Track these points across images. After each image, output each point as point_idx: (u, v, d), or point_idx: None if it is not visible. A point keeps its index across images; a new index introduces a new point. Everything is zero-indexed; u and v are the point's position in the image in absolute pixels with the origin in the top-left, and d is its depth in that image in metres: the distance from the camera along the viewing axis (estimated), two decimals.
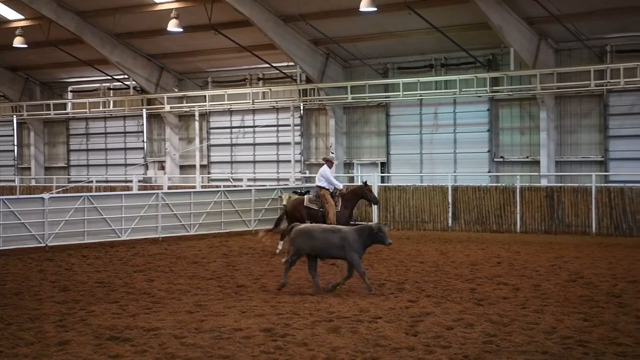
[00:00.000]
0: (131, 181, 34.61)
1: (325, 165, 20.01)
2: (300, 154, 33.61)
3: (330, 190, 19.63)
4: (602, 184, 24.53)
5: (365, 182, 20.70)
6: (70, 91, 41.68)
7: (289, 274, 13.82)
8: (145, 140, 38.52)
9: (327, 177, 19.72)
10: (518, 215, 24.66)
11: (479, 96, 28.60)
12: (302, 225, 13.86)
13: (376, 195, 22.66)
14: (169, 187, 31.68)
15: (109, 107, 38.14)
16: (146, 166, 38.55)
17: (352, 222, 20.09)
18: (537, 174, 27.11)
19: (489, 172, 28.69)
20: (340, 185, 20.18)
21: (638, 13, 24.91)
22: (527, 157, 28.27)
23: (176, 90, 36.70)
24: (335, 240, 13.16)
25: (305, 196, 20.27)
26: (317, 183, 19.96)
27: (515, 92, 27.88)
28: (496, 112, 29.04)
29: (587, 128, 27.24)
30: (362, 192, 20.06)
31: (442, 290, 13.42)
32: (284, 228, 19.77)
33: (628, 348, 9.25)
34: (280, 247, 19.59)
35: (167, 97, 35.86)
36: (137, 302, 12.65)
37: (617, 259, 17.68)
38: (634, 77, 24.75)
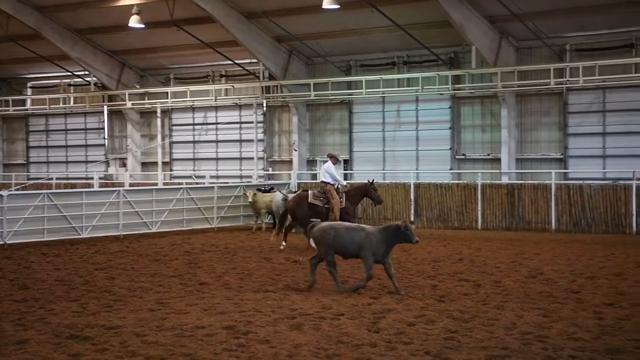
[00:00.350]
0: (92, 178, 34.28)
1: (329, 161, 20.11)
2: (263, 151, 33.55)
3: (335, 186, 19.76)
4: (561, 181, 24.83)
5: (372, 180, 20.66)
6: (30, 87, 41.21)
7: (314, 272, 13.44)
8: (106, 137, 38.18)
9: (331, 173, 19.85)
10: (479, 212, 24.88)
11: (441, 94, 28.79)
12: (326, 224, 13.55)
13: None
14: (131, 185, 31.44)
15: (69, 103, 37.77)
16: (107, 163, 38.22)
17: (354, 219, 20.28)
18: (498, 171, 27.36)
19: (450, 169, 28.90)
20: (344, 182, 20.34)
21: (597, 12, 25.25)
22: (489, 155, 28.51)
23: (138, 86, 36.44)
24: (358, 238, 12.98)
25: (310, 192, 20.26)
26: (322, 179, 20.05)
27: (477, 89, 28.12)
28: (458, 110, 29.25)
29: (547, 126, 27.57)
30: (367, 190, 20.16)
31: (404, 287, 13.47)
32: (289, 224, 20.03)
33: (586, 343, 9.38)
34: (284, 243, 19.64)
35: (129, 94, 35.60)
36: (98, 300, 12.54)
37: (576, 255, 17.91)
38: (593, 75, 25.11)
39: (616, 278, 14.38)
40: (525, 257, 17.67)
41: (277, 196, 24.45)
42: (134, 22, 29.48)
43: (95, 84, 37.76)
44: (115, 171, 37.64)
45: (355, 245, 12.93)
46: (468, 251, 18.93)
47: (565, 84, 26.02)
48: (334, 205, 19.48)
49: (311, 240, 19.31)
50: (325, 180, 19.87)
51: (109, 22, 33.16)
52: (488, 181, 25.66)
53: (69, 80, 39.46)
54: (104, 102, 37.12)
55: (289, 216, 20.46)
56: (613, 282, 13.94)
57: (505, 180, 26.37)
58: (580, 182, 24.40)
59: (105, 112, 37.66)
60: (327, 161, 20.27)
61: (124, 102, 35.82)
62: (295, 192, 25.26)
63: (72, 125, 40.11)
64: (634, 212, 22.80)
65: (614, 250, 18.66)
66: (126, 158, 37.63)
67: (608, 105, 26.51)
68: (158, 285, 13.95)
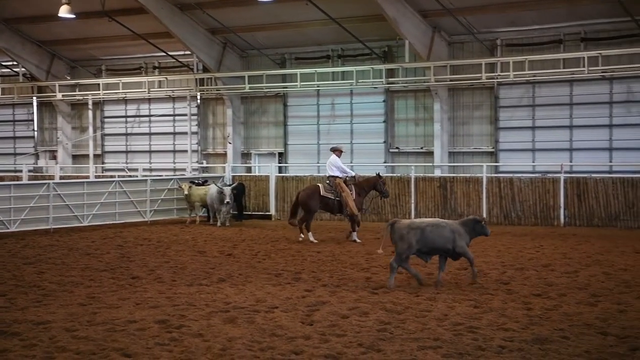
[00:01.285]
0: (21, 171, 33.55)
1: (333, 155, 20.15)
2: (197, 143, 33.31)
3: (343, 179, 19.84)
4: (492, 174, 25.23)
5: (379, 173, 20.74)
6: None
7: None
8: (35, 129, 37.41)
9: (339, 166, 19.95)
10: (413, 205, 25.13)
11: (375, 87, 28.97)
12: (408, 221, 13.30)
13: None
14: (61, 177, 30.86)
15: None
16: (37, 156, 37.48)
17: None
18: (431, 164, 27.67)
19: (385, 162, 29.11)
20: (353, 173, 20.43)
21: (527, 8, 25.68)
22: (422, 148, 28.81)
23: (68, 78, 35.79)
24: (446, 233, 12.85)
25: (320, 185, 20.24)
26: (330, 173, 20.02)
27: (410, 83, 28.37)
28: (392, 104, 29.48)
29: (479, 120, 27.98)
30: (376, 183, 20.26)
31: (338, 280, 13.56)
32: (300, 218, 20.04)
33: (515, 333, 9.57)
34: (311, 237, 19.52)
35: (59, 85, 34.94)
36: (27, 295, 12.30)
37: (505, 247, 18.23)
38: (523, 70, 25.57)
39: (544, 269, 14.70)
40: None
41: (212, 189, 24.35)
42: (64, 12, 28.86)
43: (24, 75, 36.96)
44: (45, 164, 36.93)
45: (445, 241, 12.81)
46: None
47: (496, 78, 26.47)
48: (348, 200, 19.54)
49: (310, 234, 19.34)
50: (333, 175, 19.94)
51: (38, 12, 32.40)
52: (421, 174, 25.93)
53: None
54: (33, 93, 36.34)
55: (300, 209, 20.38)
56: (541, 273, 14.24)
57: (438, 173, 26.69)
58: (511, 175, 24.85)
59: (35, 104, 36.89)
60: (330, 156, 20.27)
61: (54, 94, 35.14)
62: (230, 185, 25.18)
63: (0, 117, 39.16)
64: (562, 205, 23.32)
65: (542, 242, 19.07)
66: (56, 150, 36.94)
67: (537, 100, 27.02)
68: (89, 280, 13.75)
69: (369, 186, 20.38)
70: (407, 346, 8.98)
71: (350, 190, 19.82)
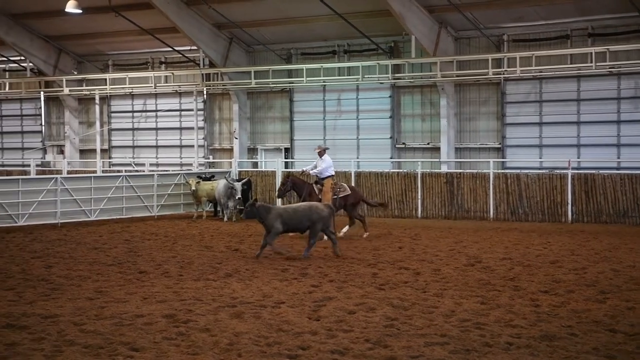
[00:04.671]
0: (29, 165, 33.62)
1: (326, 155, 20.22)
2: (203, 139, 33.34)
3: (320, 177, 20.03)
4: (499, 170, 25.20)
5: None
6: None
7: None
8: (43, 123, 37.50)
9: (330, 165, 20.22)
10: (419, 201, 25.12)
11: (381, 83, 28.93)
12: None
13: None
14: (69, 172, 30.93)
15: (4, 89, 36.88)
16: (44, 150, 37.57)
17: None
18: (437, 160, 27.63)
19: (391, 158, 29.09)
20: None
21: (534, 3, 25.61)
22: (428, 144, 28.78)
23: (75, 72, 35.80)
24: None
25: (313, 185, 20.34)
26: (331, 174, 20.12)
27: (417, 79, 28.32)
28: (398, 99, 29.44)
29: (486, 115, 27.92)
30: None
31: (345, 275, 13.57)
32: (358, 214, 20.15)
33: (522, 330, 9.56)
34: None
35: (66, 80, 34.97)
36: (35, 289, 12.34)
37: (513, 243, 18.22)
38: (530, 66, 25.50)
39: (552, 266, 14.67)
40: (464, 245, 17.91)
41: (220, 184, 24.37)
42: (71, 7, 28.92)
43: (31, 70, 37.02)
44: (52, 158, 37.02)
45: None
46: (408, 239, 19.11)
47: (503, 74, 26.39)
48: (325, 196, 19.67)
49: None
50: (331, 175, 20.12)
51: (45, 7, 32.47)
52: (428, 170, 25.90)
53: (4, 66, 38.56)
54: (40, 88, 36.43)
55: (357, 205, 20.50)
56: (549, 269, 14.22)
57: (444, 169, 26.66)
58: (518, 171, 24.80)
59: (42, 99, 36.96)
60: (326, 156, 20.29)
61: (61, 89, 35.19)
62: (240, 180, 25.16)
63: (8, 112, 39.30)
64: (569, 201, 23.27)
65: (549, 239, 19.03)
66: (64, 145, 37.02)
67: (544, 96, 26.96)
68: (97, 274, 13.79)
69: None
70: (414, 342, 8.98)
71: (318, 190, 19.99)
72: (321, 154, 20.29)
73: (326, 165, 20.09)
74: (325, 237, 16.59)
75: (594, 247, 17.50)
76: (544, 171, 24.57)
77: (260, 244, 16.19)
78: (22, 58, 36.25)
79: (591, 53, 24.61)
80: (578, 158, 25.78)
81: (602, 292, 11.98)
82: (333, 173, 20.32)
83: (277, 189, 21.31)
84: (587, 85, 26.16)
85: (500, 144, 27.52)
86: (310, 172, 20.50)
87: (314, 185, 20.18)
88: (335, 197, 19.67)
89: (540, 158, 26.80)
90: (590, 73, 25.44)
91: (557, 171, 24.08)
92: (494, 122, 27.76)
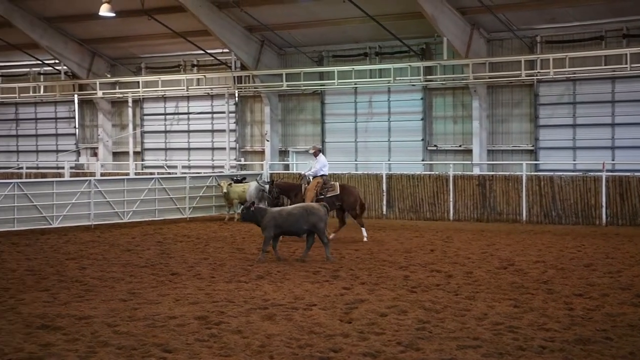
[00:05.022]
0: (63, 168, 33.97)
1: (320, 154, 20.37)
2: (235, 141, 33.46)
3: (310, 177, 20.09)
4: (532, 173, 25.01)
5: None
6: None
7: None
8: (77, 126, 37.88)
9: (323, 164, 20.26)
10: (451, 203, 25.00)
11: (412, 85, 28.85)
12: None
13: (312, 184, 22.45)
14: (102, 174, 31.22)
15: (39, 92, 37.37)
16: (78, 153, 37.93)
17: None
18: (469, 162, 27.50)
19: (422, 160, 29.00)
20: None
21: (567, 4, 25.41)
22: (460, 146, 28.65)
23: (109, 75, 36.14)
24: None
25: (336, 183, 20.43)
26: (325, 173, 20.19)
27: (449, 81, 28.21)
28: (430, 101, 29.34)
29: (518, 117, 27.74)
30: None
31: (376, 278, 13.54)
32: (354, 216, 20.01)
33: (556, 333, 9.47)
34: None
35: (100, 83, 35.31)
36: (69, 290, 12.46)
37: (546, 246, 18.06)
38: (563, 67, 25.29)
39: (586, 269, 14.53)
40: (497, 248, 17.80)
41: (251, 186, 24.45)
42: (105, 10, 29.18)
43: (65, 73, 37.41)
44: (86, 161, 37.37)
45: None
46: (440, 242, 19.03)
47: (536, 75, 26.19)
48: (307, 195, 19.66)
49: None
50: (324, 174, 20.12)
51: (79, 11, 32.82)
52: (460, 172, 25.77)
53: (38, 69, 39.02)
54: (74, 91, 36.79)
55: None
56: (583, 273, 14.08)
57: (476, 171, 26.52)
58: (551, 173, 24.59)
59: (76, 102, 37.33)
60: (320, 156, 20.41)
61: (94, 92, 35.54)
62: (269, 182, 25.20)
63: (42, 115, 39.75)
64: (604, 204, 23.03)
65: (584, 242, 18.85)
66: (97, 147, 37.36)
67: (578, 97, 26.74)
68: (130, 276, 13.89)
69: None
70: (446, 345, 8.94)
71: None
72: (316, 154, 20.46)
73: (320, 166, 20.17)
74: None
75: (628, 250, 17.30)
76: (577, 173, 24.34)
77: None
78: (57, 61, 36.63)
79: (626, 54, 24.36)
80: (612, 160, 25.51)
81: (638, 295, 11.84)
82: (326, 173, 20.29)
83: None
84: (622, 87, 25.90)
85: (533, 146, 27.31)
86: (306, 173, 20.49)
87: (301, 186, 20.29)
88: (322, 196, 19.54)
89: (574, 160, 26.56)
90: (625, 74, 25.19)
91: (591, 173, 23.83)
92: (526, 124, 27.57)
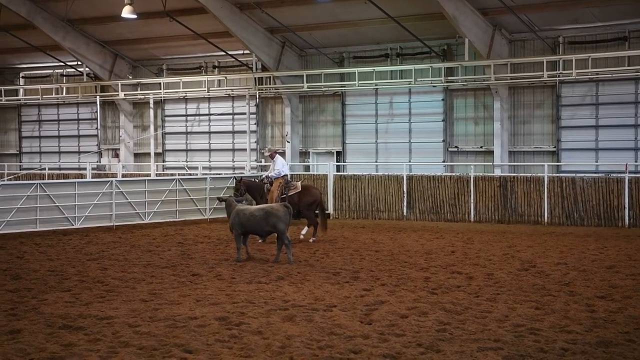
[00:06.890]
0: (85, 169, 34.20)
1: (277, 156, 20.76)
2: (256, 142, 33.52)
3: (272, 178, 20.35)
4: (554, 174, 24.86)
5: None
6: (22, 77, 41.08)
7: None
8: (99, 127, 38.10)
9: (282, 164, 20.60)
10: (472, 205, 24.90)
11: (433, 86, 28.79)
12: None
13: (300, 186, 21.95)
14: (123, 175, 31.39)
15: (61, 93, 37.66)
16: (100, 154, 38.15)
17: None
18: (490, 163, 27.39)
19: (443, 161, 28.92)
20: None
21: (589, 5, 25.26)
22: (481, 147, 28.54)
23: (130, 77, 36.34)
24: None
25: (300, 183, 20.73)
26: (286, 173, 20.49)
27: (470, 82, 28.12)
28: (451, 102, 29.26)
29: (540, 118, 27.60)
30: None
31: (397, 279, 13.51)
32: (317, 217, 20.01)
33: (578, 335, 9.41)
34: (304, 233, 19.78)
35: (122, 84, 35.51)
36: (91, 290, 12.52)
37: (568, 248, 17.95)
38: (585, 68, 25.13)
39: (608, 271, 14.43)
40: (518, 249, 17.71)
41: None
42: (127, 12, 29.32)
43: (87, 75, 37.65)
44: (107, 162, 37.58)
45: None
46: (461, 243, 18.96)
47: (558, 76, 26.04)
48: (270, 195, 20.02)
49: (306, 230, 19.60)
50: (285, 174, 20.45)
51: (101, 13, 33.05)
52: (481, 173, 25.67)
53: (61, 71, 39.34)
54: (96, 92, 37.02)
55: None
56: (605, 275, 13.98)
57: (498, 172, 26.40)
58: (573, 174, 24.44)
59: (98, 103, 37.55)
60: (278, 157, 20.77)
61: (116, 93, 35.74)
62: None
63: (65, 116, 40.03)
64: (627, 205, 22.85)
65: (606, 243, 18.72)
66: (119, 149, 37.56)
67: (601, 98, 26.56)
68: (151, 276, 13.94)
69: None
70: (467, 347, 8.90)
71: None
72: (272, 155, 20.88)
73: (279, 167, 20.42)
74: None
75: None
76: (600, 175, 24.18)
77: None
78: (79, 63, 36.88)
79: None
80: (636, 161, 25.33)
81: None
82: (287, 172, 20.64)
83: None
84: None
85: (555, 147, 27.17)
86: (269, 174, 20.71)
87: (264, 187, 20.55)
88: (284, 195, 19.74)
89: (597, 161, 26.39)
90: None
91: (614, 175, 23.66)
92: (548, 125, 27.42)
